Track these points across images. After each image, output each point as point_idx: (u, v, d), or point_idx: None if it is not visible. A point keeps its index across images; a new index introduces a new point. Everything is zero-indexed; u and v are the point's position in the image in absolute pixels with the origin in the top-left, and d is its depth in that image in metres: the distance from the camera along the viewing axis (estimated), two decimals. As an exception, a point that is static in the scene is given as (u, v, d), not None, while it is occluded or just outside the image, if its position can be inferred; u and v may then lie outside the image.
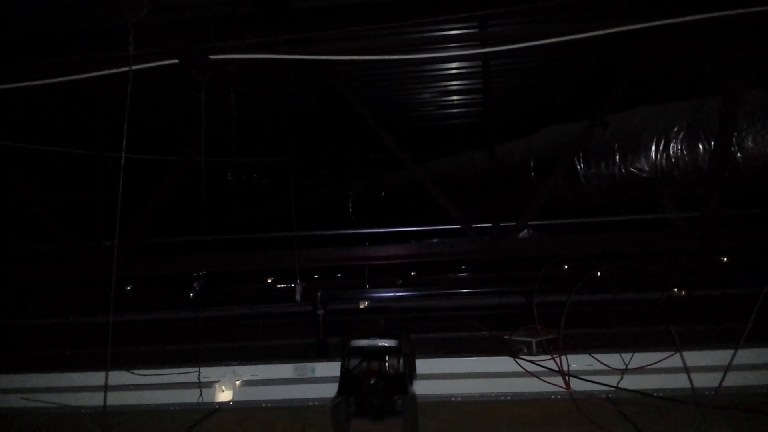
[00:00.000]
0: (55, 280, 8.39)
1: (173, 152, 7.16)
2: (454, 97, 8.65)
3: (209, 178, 6.50)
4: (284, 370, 5.76)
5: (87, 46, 6.07)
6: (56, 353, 7.77)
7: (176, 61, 4.87)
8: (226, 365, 5.79)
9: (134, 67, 4.32)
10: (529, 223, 6.72)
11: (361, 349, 4.77)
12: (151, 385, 5.75)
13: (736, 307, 5.43)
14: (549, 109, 8.66)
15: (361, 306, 9.67)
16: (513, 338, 5.92)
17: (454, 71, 7.68)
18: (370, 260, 7.49)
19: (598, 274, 6.86)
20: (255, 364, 5.85)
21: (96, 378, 5.65)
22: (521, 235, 6.54)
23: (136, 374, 5.75)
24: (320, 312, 6.74)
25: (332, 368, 5.43)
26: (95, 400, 5.59)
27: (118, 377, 5.67)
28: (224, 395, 5.69)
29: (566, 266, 8.42)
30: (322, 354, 6.52)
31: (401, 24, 5.62)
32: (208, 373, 5.60)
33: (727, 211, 5.94)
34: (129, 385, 5.74)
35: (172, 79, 6.86)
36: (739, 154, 5.04)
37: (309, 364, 5.72)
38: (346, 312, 8.97)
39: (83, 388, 5.77)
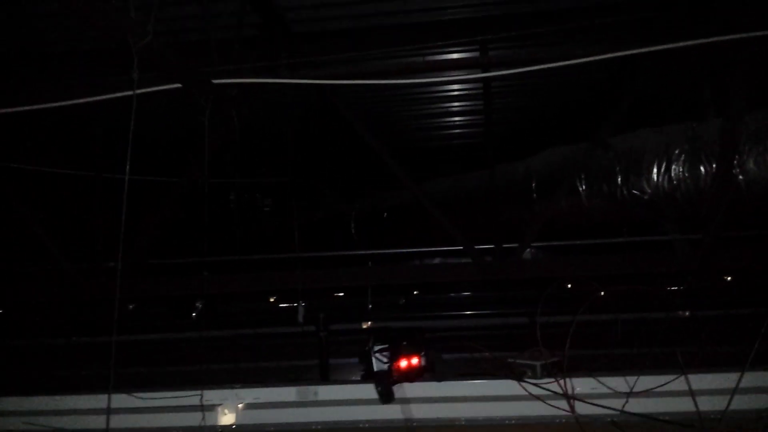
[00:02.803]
0: (56, 301, 8.39)
1: (175, 173, 7.19)
2: (456, 118, 8.70)
3: (211, 199, 6.53)
4: (287, 393, 5.70)
5: (91, 68, 6.14)
6: (57, 374, 7.74)
7: (179, 85, 4.89)
8: (228, 388, 5.74)
9: (138, 92, 4.35)
10: (532, 244, 6.72)
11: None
12: (153, 408, 5.69)
13: (741, 329, 5.40)
14: (550, 131, 8.69)
15: (364, 326, 9.65)
16: (517, 361, 5.88)
17: (455, 93, 7.74)
18: (372, 281, 7.49)
19: (602, 294, 6.84)
20: (258, 387, 5.79)
21: (98, 401, 5.61)
22: (524, 256, 6.54)
23: (138, 397, 5.70)
24: (323, 334, 6.71)
25: (335, 391, 5.40)
26: (97, 423, 5.54)
27: (120, 400, 5.61)
28: (226, 419, 5.63)
29: (569, 286, 8.40)
30: (324, 376, 6.48)
31: (403, 48, 5.68)
32: (210, 396, 5.55)
33: (729, 233, 5.94)
34: (131, 407, 5.68)
35: (174, 102, 6.90)
36: (741, 176, 5.06)
37: (312, 387, 5.67)
38: (349, 332, 8.94)
39: (85, 411, 5.72)
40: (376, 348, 5.19)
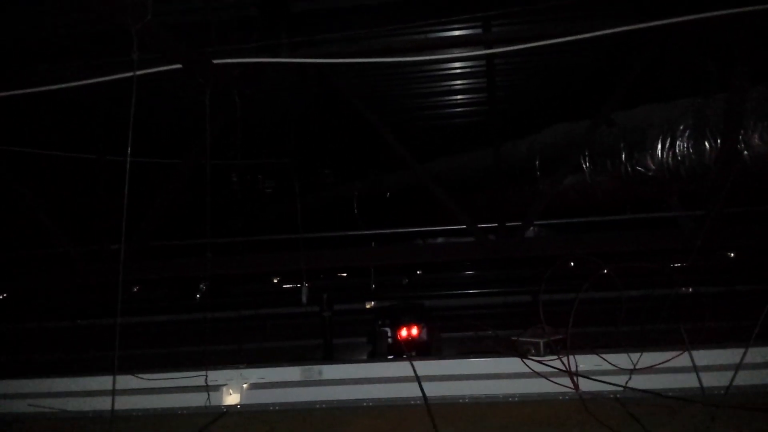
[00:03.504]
0: (61, 284, 8.42)
1: (178, 155, 7.17)
2: (458, 97, 8.63)
3: (214, 181, 6.51)
4: (291, 372, 5.74)
5: (90, 51, 6.10)
6: (62, 357, 7.80)
7: (179, 66, 4.86)
8: (233, 368, 5.78)
9: (138, 73, 4.32)
10: (535, 222, 6.71)
11: None
12: (157, 389, 5.73)
13: (745, 304, 5.39)
14: (554, 108, 8.62)
15: (367, 306, 9.70)
16: (520, 339, 5.90)
17: (458, 71, 7.67)
18: (375, 262, 7.49)
19: (605, 272, 6.83)
20: (262, 367, 5.83)
21: (103, 382, 5.65)
22: (527, 234, 6.53)
23: (143, 378, 5.74)
24: (327, 314, 6.74)
25: (339, 371, 5.42)
26: (102, 404, 5.58)
27: (124, 381, 5.65)
28: (231, 398, 5.68)
29: (572, 264, 8.39)
30: (328, 356, 6.52)
31: (404, 26, 5.62)
32: (215, 376, 5.58)
33: (734, 209, 5.92)
34: (136, 389, 5.72)
35: (175, 83, 6.87)
36: (746, 152, 5.02)
37: (316, 367, 5.70)
38: (352, 312, 8.98)
39: (90, 392, 5.76)
40: (380, 322, 5.51)
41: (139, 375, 5.79)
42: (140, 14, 4.04)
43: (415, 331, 5.71)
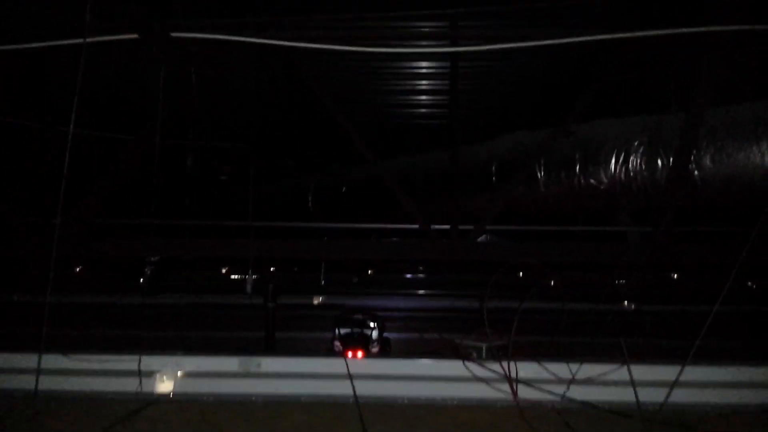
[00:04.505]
0: (-2, 256, 8.06)
1: (132, 131, 6.93)
2: (422, 97, 8.60)
3: (167, 161, 6.30)
4: (229, 363, 5.58)
5: (42, 9, 5.83)
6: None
7: (135, 36, 4.67)
8: (168, 355, 5.59)
9: (89, 40, 4.14)
10: (488, 227, 6.71)
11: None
12: (88, 370, 5.51)
13: (684, 324, 5.49)
14: (514, 115, 8.66)
15: (315, 302, 9.57)
16: (464, 342, 5.89)
17: (423, 70, 7.62)
18: (326, 255, 7.38)
19: (551, 282, 6.90)
20: (199, 356, 5.67)
21: (29, 360, 5.39)
22: (479, 239, 6.53)
23: (72, 359, 5.51)
24: (271, 305, 6.58)
25: (279, 364, 5.31)
26: (27, 383, 5.33)
27: (52, 361, 5.40)
28: (164, 386, 5.49)
29: (521, 273, 8.47)
30: (270, 348, 6.38)
31: (372, 16, 5.54)
32: (149, 362, 5.39)
33: (681, 228, 6.02)
34: (65, 369, 5.48)
35: (132, 54, 6.64)
36: (696, 173, 5.10)
37: (255, 359, 5.56)
38: (299, 307, 8.84)
39: (14, 369, 5.50)
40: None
41: (69, 355, 5.56)
42: (95, -24, 3.86)
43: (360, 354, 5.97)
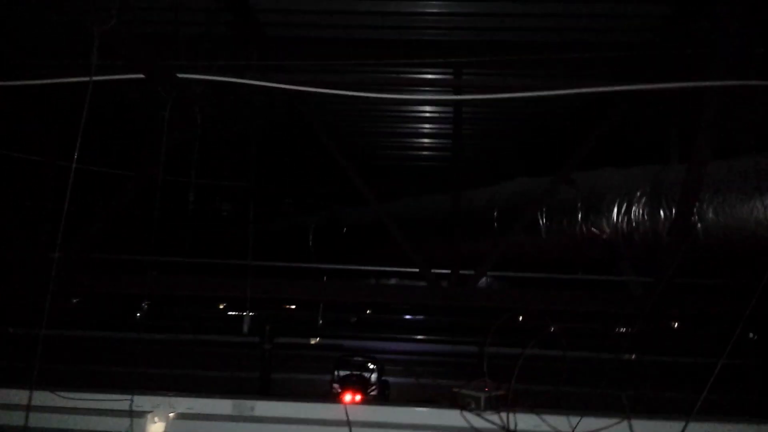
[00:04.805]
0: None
1: (134, 167, 6.95)
2: (425, 140, 8.67)
3: (168, 197, 6.28)
4: (223, 405, 5.46)
5: (52, 51, 5.92)
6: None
7: (141, 75, 4.71)
8: (161, 395, 5.48)
9: (95, 78, 4.16)
10: (488, 273, 6.66)
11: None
12: (78, 409, 5.39)
13: (688, 377, 5.39)
14: (516, 161, 8.71)
15: (312, 342, 9.46)
16: (462, 391, 5.77)
17: (426, 114, 7.69)
18: (325, 296, 7.30)
19: (552, 330, 6.80)
20: (192, 397, 5.55)
21: (20, 396, 5.29)
22: (479, 284, 6.47)
23: (63, 396, 5.40)
24: (267, 347, 6.48)
25: (274, 408, 5.19)
26: (17, 419, 5.21)
27: (43, 397, 5.30)
28: (156, 427, 5.36)
29: (521, 319, 8.36)
30: (264, 390, 6.27)
31: (377, 63, 5.60)
32: (141, 401, 5.27)
33: (683, 280, 5.97)
34: (54, 407, 5.37)
35: (137, 93, 6.71)
36: (699, 224, 5.07)
37: (249, 402, 5.45)
38: (296, 347, 8.73)
39: (5, 405, 5.39)
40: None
41: (59, 392, 5.45)
42: (105, 18, 3.91)
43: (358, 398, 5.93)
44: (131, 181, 6.14)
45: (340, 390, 6.10)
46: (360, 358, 6.63)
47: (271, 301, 10.18)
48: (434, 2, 5.35)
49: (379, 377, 6.48)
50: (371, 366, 6.51)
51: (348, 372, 6.36)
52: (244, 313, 6.29)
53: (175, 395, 5.53)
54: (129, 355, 7.45)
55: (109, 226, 6.25)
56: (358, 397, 5.85)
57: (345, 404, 5.10)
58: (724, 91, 4.62)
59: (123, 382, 5.66)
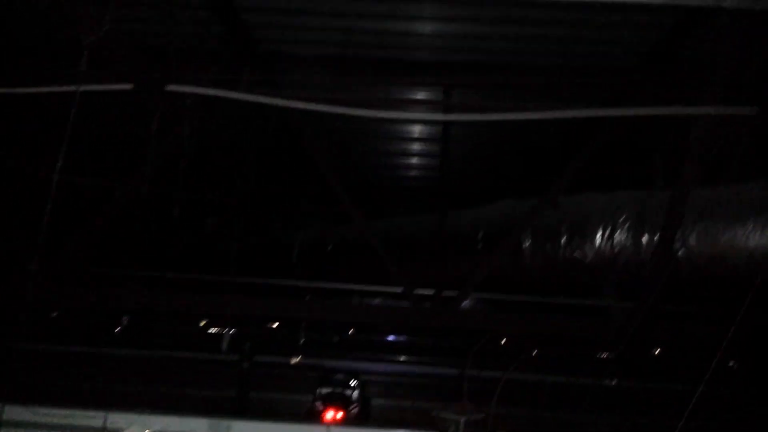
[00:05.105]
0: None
1: (119, 179, 6.89)
2: (413, 159, 8.68)
3: (153, 211, 6.22)
4: (198, 424, 5.37)
5: (41, 60, 5.88)
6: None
7: (129, 86, 4.70)
8: (136, 413, 5.39)
9: (83, 88, 4.15)
10: (472, 294, 6.65)
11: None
12: (51, 425, 5.28)
13: (668, 403, 5.39)
14: (502, 183, 8.74)
15: (292, 361, 9.36)
16: (441, 415, 5.72)
17: (415, 134, 7.72)
18: (308, 315, 7.24)
19: (534, 353, 6.81)
20: (167, 416, 5.46)
21: (-10, 411, 5.17)
22: (463, 305, 6.45)
23: (36, 412, 5.29)
24: (245, 366, 6.38)
25: (250, 428, 5.13)
26: (-13, 435, 5.10)
27: (16, 413, 5.20)
28: (129, 445, 5.27)
29: (504, 341, 8.34)
30: (241, 410, 6.17)
31: (367, 81, 5.63)
32: (115, 419, 5.18)
33: (665, 305, 5.99)
34: (26, 422, 5.26)
35: (127, 103, 6.67)
36: (681, 251, 5.10)
37: (225, 422, 5.36)
38: (276, 366, 8.63)
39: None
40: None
41: (32, 407, 5.34)
42: (96, 28, 3.90)
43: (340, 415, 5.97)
44: (116, 194, 6.08)
45: (322, 408, 6.06)
46: (341, 375, 6.60)
47: (253, 319, 10.09)
48: (426, 24, 5.40)
49: (360, 395, 6.45)
50: (353, 383, 6.51)
51: (330, 389, 6.34)
52: (224, 331, 6.22)
53: (150, 413, 5.44)
54: (103, 370, 7.32)
55: (92, 238, 6.16)
56: (339, 414, 5.81)
57: (325, 423, 5.07)
58: (711, 118, 4.68)
59: (99, 398, 5.55)
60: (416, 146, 8.17)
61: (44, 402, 5.46)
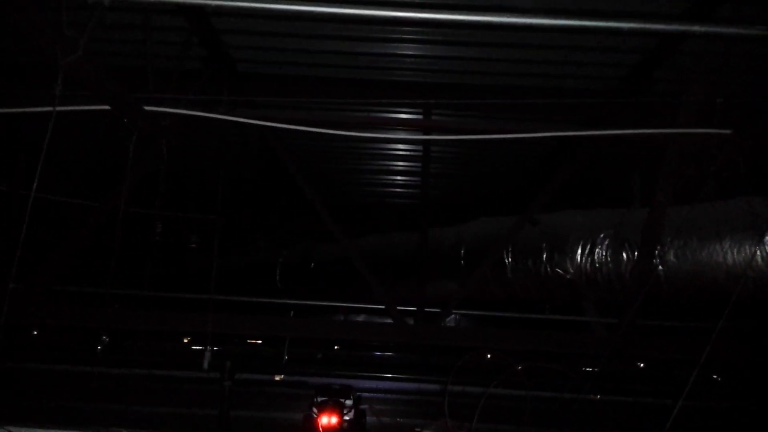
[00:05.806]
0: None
1: (99, 198, 6.84)
2: (396, 177, 8.71)
3: (134, 229, 6.16)
4: (179, 444, 5.34)
5: (18, 80, 5.86)
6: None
7: (107, 107, 4.67)
8: (115, 432, 5.32)
9: (59, 108, 4.12)
10: (454, 311, 6.66)
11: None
12: (28, 447, 5.19)
13: (649, 417, 5.41)
14: (484, 200, 8.79)
15: (276, 378, 9.30)
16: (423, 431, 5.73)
17: (396, 152, 7.75)
18: (290, 333, 7.20)
19: (518, 368, 6.80)
20: (148, 436, 5.41)
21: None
22: (446, 322, 6.47)
23: (13, 434, 5.20)
24: (227, 384, 6.30)
25: (230, 448, 5.08)
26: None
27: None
28: (108, 466, 5.19)
29: (488, 357, 8.34)
30: (223, 428, 6.10)
31: (348, 102, 5.66)
32: (93, 439, 5.12)
33: (645, 321, 6.04)
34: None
35: (104, 123, 6.64)
36: (660, 267, 5.15)
37: (206, 441, 5.33)
38: (260, 383, 8.57)
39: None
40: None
41: (11, 429, 5.25)
42: (71, 49, 3.89)
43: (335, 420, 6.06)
44: (94, 212, 6.03)
45: (317, 413, 6.18)
46: (338, 386, 6.94)
47: (236, 337, 10.02)
48: (406, 45, 5.45)
49: (354, 404, 6.57)
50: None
51: (326, 398, 6.41)
52: (205, 348, 6.16)
53: (130, 433, 5.38)
54: (81, 389, 7.23)
55: (72, 257, 6.10)
56: (334, 419, 5.93)
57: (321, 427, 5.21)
58: (686, 139, 4.76)
59: (79, 418, 5.48)
60: (399, 164, 8.21)
61: (24, 422, 5.38)
